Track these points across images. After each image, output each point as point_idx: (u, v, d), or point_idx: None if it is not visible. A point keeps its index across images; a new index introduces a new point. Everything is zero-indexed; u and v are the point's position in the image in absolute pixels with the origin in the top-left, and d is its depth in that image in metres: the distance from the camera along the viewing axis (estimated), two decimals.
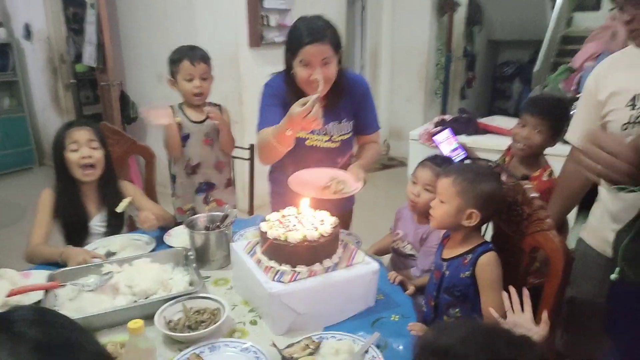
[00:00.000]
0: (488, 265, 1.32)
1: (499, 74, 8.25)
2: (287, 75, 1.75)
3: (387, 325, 1.30)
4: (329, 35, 1.65)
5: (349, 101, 1.85)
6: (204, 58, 2.07)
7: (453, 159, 1.93)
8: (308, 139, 1.82)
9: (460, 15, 6.23)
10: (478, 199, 1.33)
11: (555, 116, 1.83)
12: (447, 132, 2.04)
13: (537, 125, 1.81)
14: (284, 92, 1.77)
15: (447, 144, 1.98)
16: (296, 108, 1.47)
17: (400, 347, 1.19)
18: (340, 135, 1.86)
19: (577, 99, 2.70)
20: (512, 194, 1.42)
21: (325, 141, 1.84)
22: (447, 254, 1.43)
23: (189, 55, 2.03)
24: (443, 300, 1.40)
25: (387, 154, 6.06)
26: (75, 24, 5.45)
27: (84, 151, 1.77)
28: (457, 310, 1.39)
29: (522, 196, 1.36)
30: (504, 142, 2.52)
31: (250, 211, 2.54)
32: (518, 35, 7.65)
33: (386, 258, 1.90)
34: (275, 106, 1.76)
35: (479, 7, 6.99)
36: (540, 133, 1.81)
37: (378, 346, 1.18)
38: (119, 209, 1.75)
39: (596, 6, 6.83)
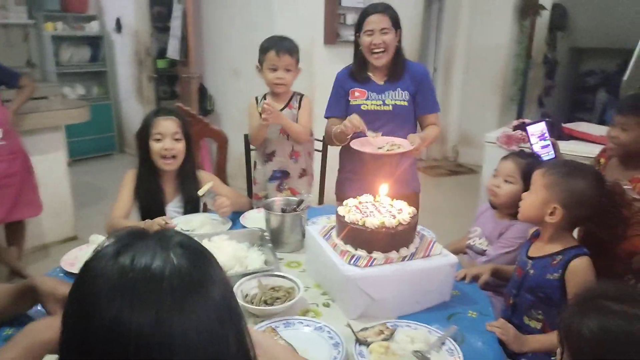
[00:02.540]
0: (582, 270, 1.24)
1: (581, 83, 7.79)
2: (356, 53, 2.12)
3: (464, 321, 1.25)
4: (389, 11, 2.01)
5: (408, 78, 2.09)
6: (290, 51, 2.10)
7: (541, 156, 1.83)
8: (363, 104, 2.09)
9: (543, 19, 5.95)
10: (566, 195, 1.26)
11: None
12: (542, 125, 1.91)
13: (624, 123, 1.70)
14: (346, 81, 2.14)
15: (540, 138, 1.87)
16: (354, 118, 1.91)
17: (480, 344, 1.15)
18: (394, 100, 2.07)
19: None
20: (609, 195, 1.33)
21: (379, 105, 2.07)
22: (534, 252, 1.36)
23: (276, 46, 2.07)
24: (524, 299, 1.34)
25: (455, 160, 5.90)
26: (159, 22, 5.77)
27: (167, 143, 1.82)
28: (539, 312, 1.31)
29: (621, 197, 1.26)
30: (589, 150, 2.37)
31: (321, 202, 2.55)
32: (604, 43, 7.19)
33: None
34: (338, 95, 2.16)
35: (565, 11, 6.64)
36: (628, 130, 1.69)
37: (455, 340, 1.14)
38: (200, 192, 1.81)
39: None
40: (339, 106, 2.16)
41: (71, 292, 0.57)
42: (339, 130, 1.97)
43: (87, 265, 0.57)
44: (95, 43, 5.59)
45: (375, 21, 1.97)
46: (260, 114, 2.10)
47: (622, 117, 1.71)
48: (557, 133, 2.78)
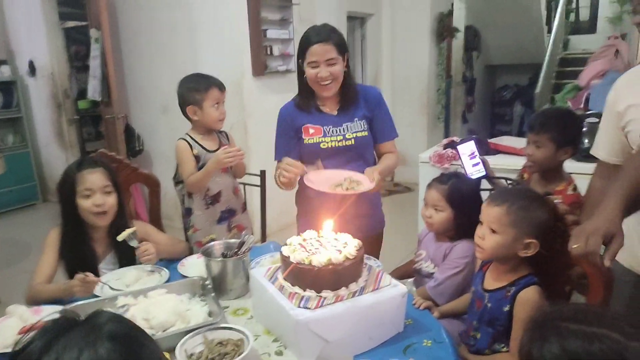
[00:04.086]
0: (527, 302, 1.23)
1: (498, 98, 8.33)
2: (300, 81, 1.91)
3: (421, 351, 1.23)
4: (334, 38, 1.81)
5: (362, 105, 1.93)
6: (223, 86, 2.12)
7: (470, 175, 1.89)
8: (322, 142, 1.88)
9: (459, 41, 6.33)
10: (536, 228, 1.26)
11: (554, 127, 1.80)
12: (471, 144, 1.95)
13: (537, 141, 1.81)
14: (295, 116, 1.92)
15: (470, 157, 1.92)
16: (287, 160, 1.77)
17: None
18: (354, 133, 1.90)
19: (587, 115, 2.71)
20: None
21: (339, 140, 1.89)
22: (490, 284, 1.36)
23: (216, 83, 2.07)
24: (486, 332, 1.33)
25: (392, 180, 6.03)
26: (77, 62, 5.52)
27: (98, 199, 1.67)
28: (502, 345, 1.31)
29: (554, 212, 1.30)
30: (515, 162, 2.49)
31: (263, 238, 2.48)
32: (515, 60, 7.77)
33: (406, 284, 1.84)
34: (287, 135, 1.95)
35: (477, 32, 7.10)
36: (541, 147, 1.80)
37: None
38: (119, 238, 1.67)
39: (592, 29, 6.97)
40: (290, 147, 1.93)
41: None
42: (284, 181, 1.78)
43: None
44: (7, 88, 5.23)
45: (320, 52, 1.77)
46: (197, 156, 2.05)
47: (534, 135, 1.82)
48: (484, 148, 2.91)
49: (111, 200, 1.71)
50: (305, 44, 1.82)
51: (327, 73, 1.78)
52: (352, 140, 1.89)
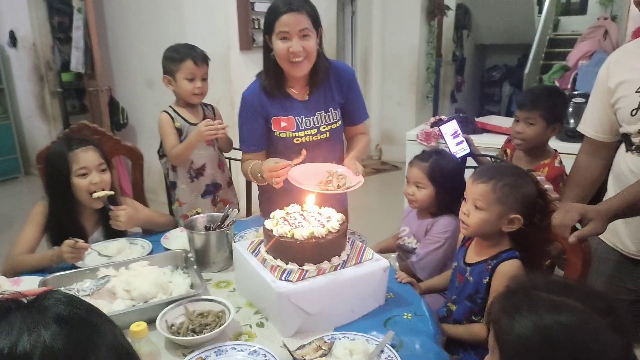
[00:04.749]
0: (506, 274, 1.24)
1: (487, 78, 8.33)
2: (267, 59, 1.70)
3: (401, 324, 1.24)
4: (307, 8, 1.60)
5: (335, 88, 1.79)
6: (206, 59, 2.03)
7: (455, 153, 1.89)
8: (295, 137, 1.76)
9: (449, 19, 6.27)
10: (521, 204, 1.27)
11: (544, 105, 1.83)
12: (453, 124, 1.96)
13: (528, 118, 1.83)
14: (261, 102, 1.74)
15: (453, 136, 1.93)
16: (270, 163, 1.56)
17: (417, 346, 1.14)
18: (329, 125, 1.79)
19: (574, 95, 2.72)
20: None
21: (314, 134, 1.77)
22: (472, 258, 1.37)
23: (192, 55, 1.97)
24: (464, 306, 1.35)
25: (379, 159, 6.04)
26: (60, 33, 5.36)
27: (95, 177, 1.66)
28: (479, 317, 1.33)
29: (536, 188, 1.31)
30: (501, 141, 2.50)
31: (248, 213, 2.48)
32: (505, 40, 7.75)
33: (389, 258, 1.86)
34: (254, 124, 1.77)
35: (468, 11, 7.05)
36: (533, 125, 1.82)
37: (393, 345, 1.12)
38: (94, 195, 1.65)
39: (582, 10, 6.95)
40: (258, 137, 1.77)
41: None
42: (278, 181, 1.56)
43: None
44: None
45: (291, 22, 1.56)
46: (179, 129, 2.01)
47: (526, 112, 1.82)
48: (471, 127, 2.91)
49: (107, 179, 1.70)
50: (273, 14, 1.59)
51: (299, 47, 1.58)
52: (327, 133, 1.78)
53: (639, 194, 1.24)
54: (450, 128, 1.95)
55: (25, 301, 0.52)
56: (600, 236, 1.51)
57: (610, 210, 1.21)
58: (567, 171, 1.75)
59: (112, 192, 1.71)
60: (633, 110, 1.33)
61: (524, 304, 0.75)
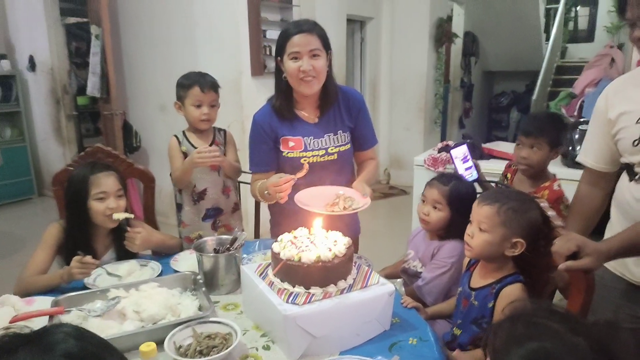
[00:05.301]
0: (509, 297, 1.26)
1: (495, 104, 8.38)
2: (279, 81, 1.77)
3: (406, 349, 1.25)
4: (317, 30, 1.69)
5: (345, 113, 1.84)
6: (214, 86, 2.07)
7: (465, 177, 1.92)
8: (303, 157, 1.80)
9: (457, 46, 6.37)
10: (525, 229, 1.29)
11: (550, 131, 1.88)
12: (464, 148, 1.99)
13: (534, 144, 1.87)
14: (272, 124, 1.81)
15: (463, 160, 1.96)
16: (274, 178, 1.62)
17: None
18: (337, 147, 1.82)
19: (580, 123, 2.74)
20: None
21: (322, 155, 1.81)
22: (477, 282, 1.38)
23: (199, 82, 2.02)
24: (469, 330, 1.36)
25: (387, 183, 6.06)
26: (77, 58, 5.55)
27: (111, 202, 1.71)
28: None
29: (541, 214, 1.33)
30: None
31: (256, 236, 2.50)
32: (512, 67, 7.83)
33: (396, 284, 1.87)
34: (264, 145, 1.83)
35: (475, 38, 7.15)
36: (539, 150, 1.86)
37: None
38: (115, 217, 1.71)
39: (590, 38, 7.02)
40: (267, 158, 1.83)
41: None
42: (282, 196, 1.63)
43: None
44: (6, 83, 5.25)
45: (302, 43, 1.64)
46: (184, 153, 2.07)
47: (532, 138, 1.85)
48: (478, 153, 2.94)
49: (123, 204, 1.76)
50: (285, 36, 1.68)
51: (310, 66, 1.64)
52: (335, 155, 1.82)
53: (638, 237, 1.25)
54: (460, 152, 1.98)
55: (32, 335, 0.50)
56: (605, 264, 1.51)
57: (610, 251, 1.22)
58: (568, 195, 1.77)
59: (132, 215, 1.77)
60: (634, 140, 1.34)
61: (518, 331, 0.76)
